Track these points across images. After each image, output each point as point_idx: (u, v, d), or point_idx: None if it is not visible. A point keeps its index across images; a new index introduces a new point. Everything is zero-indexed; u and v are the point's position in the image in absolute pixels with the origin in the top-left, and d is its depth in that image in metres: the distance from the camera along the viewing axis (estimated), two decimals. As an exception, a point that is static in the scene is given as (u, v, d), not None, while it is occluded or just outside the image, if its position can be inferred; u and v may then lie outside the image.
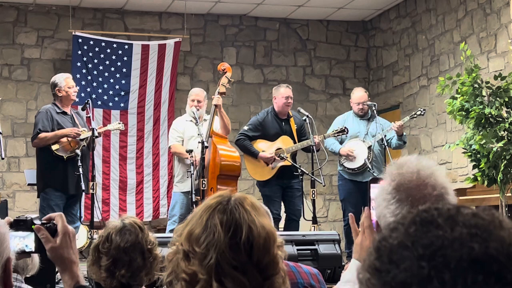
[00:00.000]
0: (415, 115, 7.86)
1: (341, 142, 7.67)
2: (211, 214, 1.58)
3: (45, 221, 1.94)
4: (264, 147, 7.39)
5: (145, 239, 2.89)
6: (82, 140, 6.73)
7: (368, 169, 7.36)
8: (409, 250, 0.85)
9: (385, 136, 7.48)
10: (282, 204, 7.46)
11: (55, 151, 6.67)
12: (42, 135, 6.69)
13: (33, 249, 1.92)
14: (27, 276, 2.92)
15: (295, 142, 7.40)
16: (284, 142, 7.40)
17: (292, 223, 7.29)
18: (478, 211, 0.89)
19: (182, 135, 7.24)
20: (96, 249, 2.91)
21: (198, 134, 6.87)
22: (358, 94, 7.81)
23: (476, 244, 0.83)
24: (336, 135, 7.48)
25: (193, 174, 6.77)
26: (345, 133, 7.44)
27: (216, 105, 7.13)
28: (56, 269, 2.40)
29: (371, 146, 7.53)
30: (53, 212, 7.14)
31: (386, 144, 7.46)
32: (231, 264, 1.52)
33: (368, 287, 0.87)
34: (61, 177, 6.67)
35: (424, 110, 7.89)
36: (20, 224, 1.90)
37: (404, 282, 0.84)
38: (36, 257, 2.79)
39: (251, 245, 1.55)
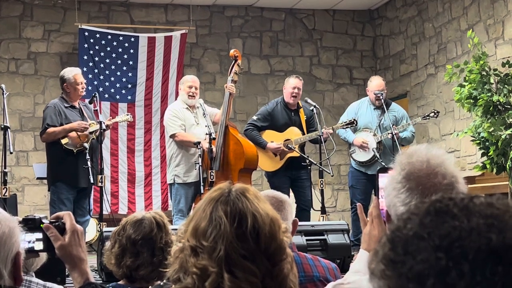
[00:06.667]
0: (427, 117, 7.78)
1: (354, 131, 7.61)
2: (214, 207, 1.59)
3: (53, 220, 1.94)
4: (272, 138, 7.37)
5: (160, 236, 2.87)
6: (91, 133, 6.75)
7: (377, 159, 7.31)
8: (426, 241, 0.84)
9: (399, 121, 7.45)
10: (292, 195, 7.43)
11: (64, 145, 6.68)
12: (50, 129, 6.70)
13: (41, 248, 1.93)
14: (38, 268, 2.93)
15: (303, 133, 7.37)
16: (293, 133, 7.37)
17: (304, 214, 7.26)
18: (492, 200, 0.88)
19: (184, 122, 7.11)
20: (113, 235, 2.96)
21: (206, 126, 6.82)
22: (377, 82, 7.63)
23: (493, 234, 0.82)
24: (345, 127, 7.42)
25: (201, 166, 6.72)
26: (354, 125, 7.39)
27: (231, 94, 7.11)
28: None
29: (381, 141, 7.43)
30: (64, 205, 7.08)
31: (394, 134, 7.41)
32: (240, 254, 1.54)
33: (382, 278, 0.86)
34: (71, 170, 6.69)
35: (438, 112, 7.84)
36: (28, 223, 1.91)
37: (421, 274, 0.83)
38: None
39: (257, 233, 1.56)
